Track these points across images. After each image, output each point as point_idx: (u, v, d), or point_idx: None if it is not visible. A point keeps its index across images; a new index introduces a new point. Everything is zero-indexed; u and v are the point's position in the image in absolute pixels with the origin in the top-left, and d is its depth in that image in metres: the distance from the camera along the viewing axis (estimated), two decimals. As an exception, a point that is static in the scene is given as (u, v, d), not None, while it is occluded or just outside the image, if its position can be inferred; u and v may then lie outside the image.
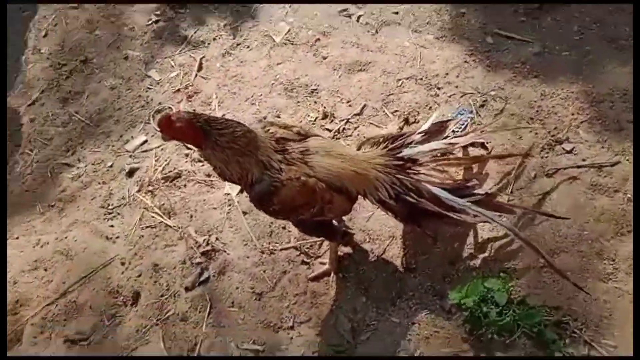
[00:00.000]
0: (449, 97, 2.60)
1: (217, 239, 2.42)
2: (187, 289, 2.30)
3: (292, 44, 3.00)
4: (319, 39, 2.97)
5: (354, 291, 2.15)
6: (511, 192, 2.23)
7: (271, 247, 2.34)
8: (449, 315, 2.01)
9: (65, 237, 2.57)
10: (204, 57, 3.10)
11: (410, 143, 2.10)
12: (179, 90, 2.99)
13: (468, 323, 1.92)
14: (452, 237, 2.19)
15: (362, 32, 2.94)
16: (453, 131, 2.25)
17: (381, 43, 2.88)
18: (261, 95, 2.84)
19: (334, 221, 2.18)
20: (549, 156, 2.30)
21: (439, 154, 2.10)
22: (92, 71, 3.22)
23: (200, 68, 3.06)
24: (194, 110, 2.81)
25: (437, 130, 2.16)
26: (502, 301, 1.88)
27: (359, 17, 3.01)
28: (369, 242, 2.27)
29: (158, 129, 1.74)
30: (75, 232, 2.58)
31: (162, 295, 2.31)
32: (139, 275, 2.39)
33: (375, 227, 2.29)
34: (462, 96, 2.58)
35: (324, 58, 2.89)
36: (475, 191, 2.01)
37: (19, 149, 3.01)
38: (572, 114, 2.37)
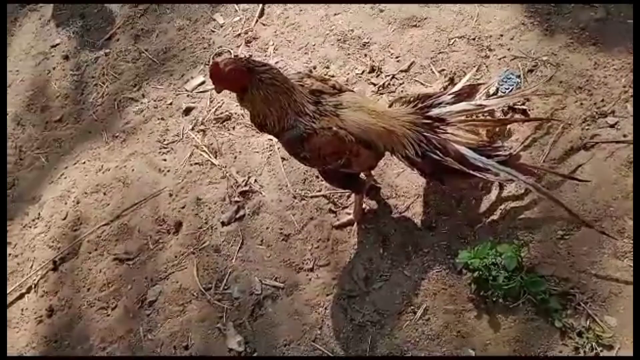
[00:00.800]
0: (499, 59, 2.53)
1: (255, 180, 2.58)
2: (223, 224, 2.50)
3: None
4: (380, -8, 2.95)
5: (373, 242, 2.25)
6: (544, 161, 2.18)
7: (303, 194, 2.47)
8: (459, 275, 2.07)
9: (125, 166, 2.84)
10: (266, 3, 3.17)
11: (441, 103, 2.11)
12: (239, 34, 3.11)
13: (475, 284, 1.97)
14: (475, 200, 2.21)
15: (422, -15, 2.88)
16: (498, 94, 2.24)
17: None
18: (314, 45, 2.90)
19: (362, 174, 2.26)
20: (590, 128, 2.22)
21: (468, 115, 2.10)
22: (164, 11, 3.41)
23: (261, 14, 3.15)
24: (250, 55, 2.92)
25: (469, 92, 2.16)
26: (510, 266, 1.91)
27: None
28: (394, 197, 2.34)
29: (212, 82, 1.87)
30: (133, 162, 2.84)
31: (200, 227, 2.53)
32: (183, 207, 2.61)
33: (403, 184, 2.35)
34: (512, 59, 2.50)
35: (381, 11, 2.89)
36: (500, 153, 2.01)
37: (94, 80, 3.29)
38: (624, 87, 2.25)
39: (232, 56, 1.83)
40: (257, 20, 3.12)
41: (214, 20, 3.24)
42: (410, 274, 2.13)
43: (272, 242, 2.40)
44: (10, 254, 2.82)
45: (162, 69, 3.16)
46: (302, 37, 2.95)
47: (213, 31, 3.19)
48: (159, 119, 2.97)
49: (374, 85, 2.66)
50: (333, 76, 2.73)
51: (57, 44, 3.50)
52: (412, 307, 2.07)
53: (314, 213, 2.41)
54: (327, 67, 2.80)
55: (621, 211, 1.99)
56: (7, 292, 2.67)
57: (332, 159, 1.95)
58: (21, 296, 2.67)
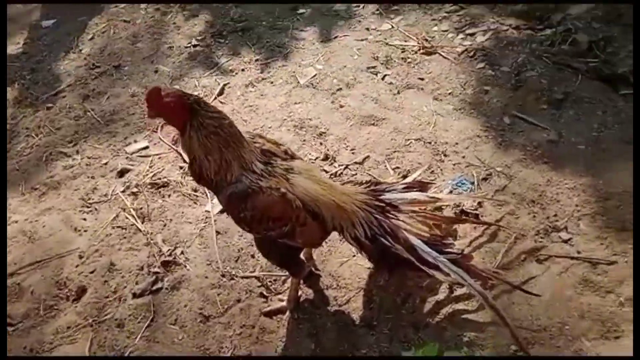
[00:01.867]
0: (454, 165, 2.49)
1: (182, 252, 2.30)
2: (134, 295, 2.17)
3: (315, 88, 3.00)
4: (341, 89, 2.97)
5: (305, 336, 1.97)
6: (495, 268, 2.05)
7: (233, 273, 2.20)
8: (398, 384, 1.80)
9: (36, 220, 2.52)
10: (227, 83, 3.13)
11: (392, 190, 1.99)
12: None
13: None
14: (422, 301, 2.01)
15: (384, 90, 2.92)
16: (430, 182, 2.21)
17: (399, 103, 2.84)
18: (270, 127, 2.82)
19: (302, 255, 2.05)
20: (543, 241, 2.13)
21: (420, 206, 1.97)
22: (120, 77, 3.30)
23: (221, 93, 3.08)
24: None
25: (420, 187, 2.05)
26: (456, 378, 1.67)
27: (384, 76, 3.01)
28: (335, 288, 2.11)
29: (146, 104, 1.69)
30: (47, 217, 2.53)
31: (107, 297, 2.18)
32: (92, 272, 2.28)
33: (346, 274, 2.14)
34: (467, 166, 2.47)
35: (341, 106, 2.87)
36: (452, 250, 1.85)
37: (27, 131, 3.04)
38: (576, 205, 2.22)
39: (182, 91, 1.66)
40: (215, 97, 3.04)
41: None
42: (343, 376, 1.84)
43: (187, 323, 2.07)
44: None
45: (105, 129, 2.97)
46: (259, 119, 2.87)
47: (167, 101, 3.07)
48: (88, 177, 2.71)
49: (327, 172, 2.54)
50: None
51: (-2, 91, 3.28)
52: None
53: (242, 295, 2.13)
54: (280, 150, 2.68)
55: (577, 331, 1.84)
56: None
57: (276, 224, 1.75)
58: None
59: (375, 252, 1.84)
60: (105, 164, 2.77)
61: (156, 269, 2.25)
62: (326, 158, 2.60)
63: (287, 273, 2.10)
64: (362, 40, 3.29)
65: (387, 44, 3.21)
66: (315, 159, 2.61)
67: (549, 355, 1.80)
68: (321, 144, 2.69)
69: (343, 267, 2.16)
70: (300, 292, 2.07)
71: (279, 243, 1.82)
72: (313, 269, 2.15)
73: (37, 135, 3.00)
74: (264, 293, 2.13)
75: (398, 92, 2.91)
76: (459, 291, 2.02)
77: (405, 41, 3.21)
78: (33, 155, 2.87)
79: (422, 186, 2.09)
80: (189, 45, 3.46)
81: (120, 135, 2.92)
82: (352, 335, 1.95)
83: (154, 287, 2.19)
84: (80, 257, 2.35)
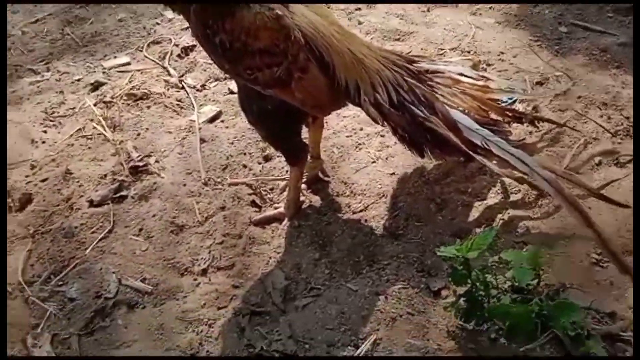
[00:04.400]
0: (500, 72, 2.01)
1: (156, 161, 1.83)
2: (91, 203, 1.69)
3: (328, 6, 2.55)
4: (359, 8, 2.53)
5: (306, 245, 1.47)
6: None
7: (219, 180, 1.71)
8: (434, 300, 1.26)
9: (-12, 132, 2.05)
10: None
11: (434, 61, 1.51)
12: (187, 27, 2.57)
13: (466, 302, 1.17)
14: (466, 206, 1.49)
15: (411, 7, 2.48)
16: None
17: (430, 19, 2.39)
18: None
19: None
20: (623, 143, 1.62)
21: (467, 85, 1.48)
22: (108, 5, 2.89)
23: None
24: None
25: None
26: (523, 281, 1.13)
27: (411, -5, 2.56)
28: (348, 195, 1.61)
29: None
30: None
31: (57, 205, 1.70)
32: (43, 181, 1.80)
33: (363, 182, 1.64)
34: (516, 72, 1.99)
35: (360, 23, 2.43)
36: (507, 136, 1.39)
37: (-5, 54, 2.62)
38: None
39: None
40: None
41: (163, 15, 2.72)
42: (357, 288, 1.32)
43: (154, 234, 1.58)
44: None
45: (83, 49, 2.55)
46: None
47: (158, 23, 2.66)
48: (56, 92, 2.27)
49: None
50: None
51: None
52: (353, 337, 1.22)
53: (227, 203, 1.63)
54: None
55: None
56: None
57: (264, 60, 1.26)
58: None
59: (403, 125, 1.35)
60: (79, 80, 2.33)
61: (122, 178, 1.76)
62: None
63: (284, 159, 1.58)
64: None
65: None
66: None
67: None
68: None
69: (359, 174, 1.67)
70: (302, 198, 1.57)
71: (272, 101, 1.33)
72: (320, 173, 1.65)
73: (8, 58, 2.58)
74: (257, 202, 1.63)
75: (428, 10, 2.46)
76: (516, 196, 1.50)
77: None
78: (-2, 74, 2.44)
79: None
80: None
81: (99, 54, 2.50)
82: (370, 244, 1.44)
83: (117, 195, 1.70)
84: (33, 167, 1.88)
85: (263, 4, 1.28)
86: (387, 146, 1.72)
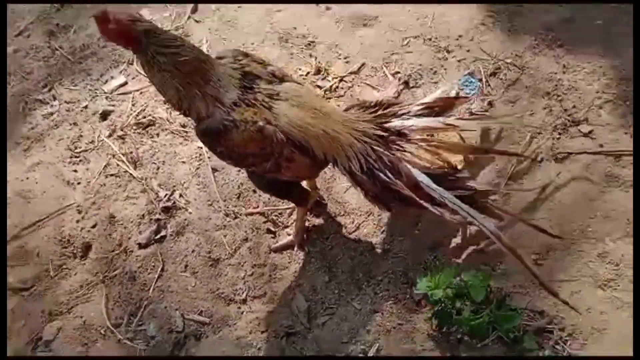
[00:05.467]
0: (459, 61, 2.28)
1: (180, 195, 2.20)
2: (140, 246, 2.10)
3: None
4: (328, -8, 2.66)
5: (317, 269, 1.91)
6: (509, 177, 1.90)
7: (237, 211, 2.10)
8: (417, 308, 1.75)
9: (27, 178, 2.41)
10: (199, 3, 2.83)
11: (405, 114, 1.79)
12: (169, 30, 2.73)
13: (436, 318, 1.65)
14: (437, 221, 1.90)
15: (374, -16, 2.61)
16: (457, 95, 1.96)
17: (392, -3, 2.55)
18: (253, 43, 2.57)
19: (305, 185, 1.93)
20: (561, 138, 1.98)
21: (432, 134, 1.79)
22: (83, 6, 3.00)
23: (194, 10, 2.80)
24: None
25: (443, 105, 1.83)
26: (478, 297, 1.61)
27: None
28: (342, 215, 2.02)
29: (96, 24, 1.54)
30: (38, 173, 2.41)
31: (113, 251, 2.12)
32: (94, 226, 2.20)
33: (352, 201, 2.03)
34: (473, 61, 2.25)
35: (328, 9, 2.59)
36: (465, 183, 1.69)
37: (-1, 81, 2.83)
38: (597, 92, 2.02)
39: (134, 16, 1.44)
40: (189, 17, 2.76)
41: (140, 15, 2.84)
42: (360, 307, 1.80)
43: (198, 269, 2.02)
44: None
45: (78, 68, 2.75)
46: (240, 35, 2.62)
47: (140, 27, 2.80)
48: (71, 124, 2.55)
49: (320, 88, 2.35)
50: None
51: (-42, 39, 3.01)
52: (362, 347, 1.73)
53: (248, 234, 2.05)
54: (268, 68, 2.46)
55: (601, 233, 1.74)
56: None
57: (257, 160, 1.62)
58: None
59: (372, 188, 1.69)
60: (86, 107, 2.59)
61: (157, 216, 2.16)
62: (318, 72, 2.39)
63: (290, 204, 2.00)
64: None
65: None
66: (306, 75, 2.40)
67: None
68: (311, 55, 2.46)
69: (349, 193, 2.05)
70: (307, 223, 1.98)
71: (270, 177, 1.69)
72: (319, 198, 2.03)
73: (10, 83, 2.79)
74: (271, 228, 2.05)
75: (390, -15, 2.60)
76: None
77: None
78: (11, 107, 2.69)
79: (446, 103, 1.86)
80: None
81: (95, 72, 2.71)
82: (366, 263, 1.89)
83: (158, 236, 2.12)
84: (79, 211, 2.26)
85: (248, 110, 1.56)
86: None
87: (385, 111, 1.80)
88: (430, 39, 2.37)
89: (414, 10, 2.47)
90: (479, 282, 1.62)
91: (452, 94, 2.15)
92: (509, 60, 2.21)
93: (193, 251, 2.06)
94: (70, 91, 2.67)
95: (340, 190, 2.06)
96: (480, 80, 2.19)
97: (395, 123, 1.75)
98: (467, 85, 2.18)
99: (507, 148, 2.00)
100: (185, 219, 2.13)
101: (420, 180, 1.65)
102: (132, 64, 2.68)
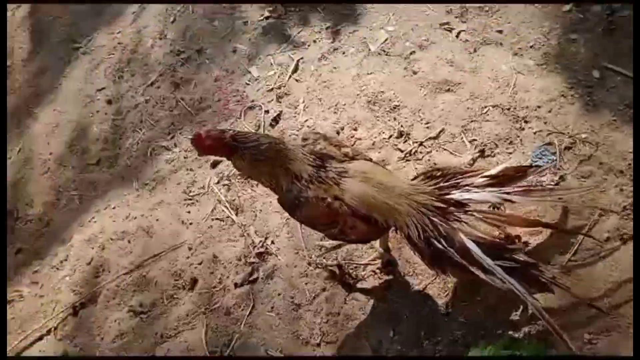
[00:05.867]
0: (535, 133, 2.39)
1: (272, 242, 2.53)
2: (236, 285, 2.46)
3: (387, 54, 2.95)
4: (414, 52, 2.89)
5: (385, 323, 2.14)
6: (575, 252, 2.01)
7: (318, 261, 2.39)
8: (472, 371, 1.92)
9: (150, 215, 2.87)
10: (301, 58, 3.17)
11: (468, 185, 1.97)
12: (272, 89, 3.11)
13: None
14: (500, 291, 2.05)
15: (459, 49, 2.79)
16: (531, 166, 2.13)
17: (476, 63, 2.71)
18: (344, 104, 2.86)
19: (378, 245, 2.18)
20: (629, 218, 2.04)
21: (491, 207, 1.95)
22: (203, 61, 3.47)
23: (295, 70, 3.14)
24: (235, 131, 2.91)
25: (511, 176, 1.96)
26: (528, 371, 1.75)
27: (459, 33, 2.86)
28: (411, 275, 2.23)
29: (193, 147, 1.91)
30: (159, 212, 2.87)
31: (214, 287, 2.50)
32: (200, 263, 2.60)
33: (421, 262, 2.23)
34: (549, 134, 2.36)
35: (414, 73, 2.81)
36: (515, 256, 1.83)
37: (132, 126, 3.37)
38: (670, 176, 2.06)
39: (219, 129, 1.87)
40: (290, 76, 3.11)
41: (249, 72, 3.26)
42: (420, 363, 2.00)
43: (282, 311, 2.33)
44: (36, 294, 2.89)
45: (196, 119, 3.20)
46: (333, 96, 2.91)
47: (248, 84, 3.21)
48: (187, 169, 2.99)
49: (401, 151, 2.57)
50: (360, 139, 2.67)
51: (103, 88, 3.61)
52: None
53: (326, 284, 2.32)
54: (355, 129, 2.74)
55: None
56: (29, 332, 2.72)
57: (325, 227, 1.93)
58: (41, 337, 2.72)
59: (427, 253, 1.89)
60: (198, 158, 3.02)
61: (252, 259, 2.51)
62: (400, 135, 2.62)
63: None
64: (435, -11, 3.10)
65: (462, -9, 3.01)
66: (389, 137, 2.64)
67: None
68: (394, 119, 2.69)
69: (419, 253, 2.25)
70: (380, 281, 2.22)
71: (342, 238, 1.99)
72: (389, 257, 2.26)
73: (141, 130, 3.32)
74: (347, 281, 2.31)
75: (474, 50, 2.77)
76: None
77: (484, -16, 2.98)
78: (140, 151, 3.20)
79: (515, 172, 2.00)
80: (262, 17, 3.50)
81: (209, 124, 3.14)
82: (428, 322, 2.09)
83: (251, 278, 2.46)
84: (190, 249, 2.67)
85: (320, 187, 1.85)
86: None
87: (448, 183, 1.97)
88: (509, 109, 2.50)
89: (495, 79, 2.61)
90: (537, 352, 1.75)
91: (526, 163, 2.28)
92: (584, 135, 2.29)
93: (279, 294, 2.38)
94: (189, 140, 3.11)
95: (409, 251, 2.27)
96: (555, 153, 2.29)
97: (455, 195, 1.91)
98: (540, 158, 2.30)
99: (573, 225, 2.10)
100: (274, 265, 2.46)
101: (470, 249, 1.80)
102: (240, 118, 3.08)
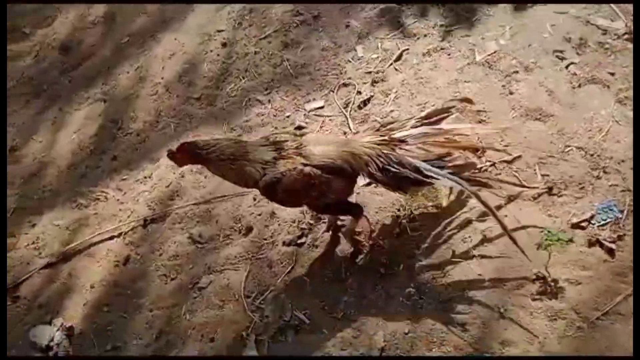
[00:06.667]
0: (610, 186, 2.35)
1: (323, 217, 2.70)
2: (284, 244, 2.67)
3: (490, 67, 2.95)
4: (517, 71, 2.87)
5: (403, 320, 2.27)
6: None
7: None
8: None
9: (229, 159, 3.12)
10: (407, 49, 3.23)
11: (403, 127, 2.32)
12: (370, 72, 3.21)
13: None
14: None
15: (564, 81, 2.74)
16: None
17: (576, 100, 2.66)
18: (433, 105, 2.91)
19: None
20: None
21: (428, 138, 2.28)
22: (317, 28, 3.61)
23: (398, 58, 3.21)
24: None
25: (435, 118, 2.33)
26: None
27: (569, 64, 2.80)
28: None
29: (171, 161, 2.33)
30: (238, 157, 3.10)
31: (265, 239, 2.73)
32: (259, 215, 2.83)
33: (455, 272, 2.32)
34: (623, 191, 2.31)
35: (511, 93, 2.81)
36: (454, 163, 2.22)
37: (238, 73, 3.61)
38: None
39: (186, 143, 2.30)
40: (391, 64, 3.19)
41: (355, 50, 3.37)
42: None
43: (316, 279, 2.52)
44: (118, 199, 3.26)
45: (294, 81, 3.38)
46: (425, 94, 2.97)
47: (349, 61, 3.33)
48: (273, 127, 3.20)
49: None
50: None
51: (222, 30, 3.87)
52: None
53: (361, 266, 2.47)
54: (435, 132, 2.79)
55: None
56: (104, 230, 3.10)
57: (306, 194, 2.19)
58: (112, 238, 3.10)
59: (387, 180, 2.22)
60: (288, 117, 3.22)
61: (304, 225, 2.70)
62: (476, 150, 2.65)
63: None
64: (562, 13, 3.01)
65: (588, 22, 2.91)
66: (463, 149, 2.67)
67: None
68: (477, 133, 2.72)
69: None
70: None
71: (325, 203, 2.27)
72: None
73: (244, 78, 3.55)
74: (380, 270, 2.44)
75: (579, 86, 2.71)
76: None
77: (612, 20, 2.87)
78: (237, 98, 3.45)
79: (439, 114, 2.36)
80: (384, -1, 3.57)
81: (304, 89, 3.31)
82: (442, 336, 2.19)
83: (299, 241, 2.66)
84: (254, 199, 2.90)
85: (287, 162, 2.17)
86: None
87: (387, 128, 2.35)
88: (592, 155, 2.46)
89: (590, 120, 2.56)
90: None
91: (587, 215, 2.27)
92: (658, 202, 2.22)
93: (319, 264, 2.56)
94: (282, 100, 3.32)
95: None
96: (622, 212, 2.25)
97: (396, 134, 2.29)
98: (606, 211, 2.27)
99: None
100: (322, 236, 2.63)
101: (419, 166, 2.19)
102: (333, 91, 3.22)
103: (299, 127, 3.12)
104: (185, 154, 2.23)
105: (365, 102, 3.08)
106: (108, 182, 3.31)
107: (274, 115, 3.25)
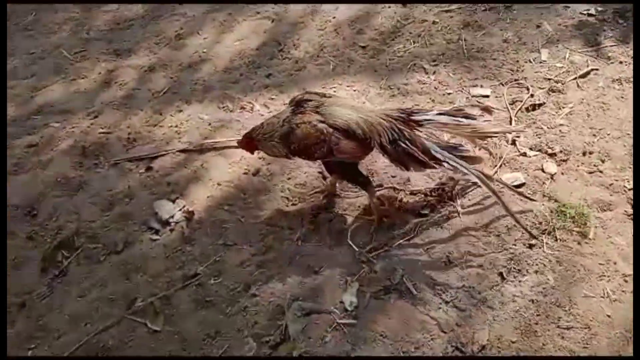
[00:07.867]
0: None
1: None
2: (412, 213, 2.65)
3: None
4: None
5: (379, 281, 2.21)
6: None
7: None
8: None
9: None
10: (596, 69, 3.07)
11: (424, 112, 2.43)
12: (550, 79, 3.08)
13: None
14: None
15: None
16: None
17: None
18: (608, 134, 2.77)
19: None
20: None
21: (444, 127, 2.38)
22: (505, 17, 3.52)
23: (584, 75, 3.07)
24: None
25: (455, 114, 2.41)
26: None
27: None
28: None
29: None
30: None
31: (391, 201, 2.71)
32: (393, 177, 2.80)
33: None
34: None
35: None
36: (464, 152, 2.34)
37: (411, 36, 3.58)
38: None
39: (246, 133, 2.58)
40: (575, 78, 3.04)
41: (539, 52, 3.24)
42: None
43: (429, 259, 2.48)
44: (262, 115, 3.32)
45: (465, 62, 3.31)
46: (602, 121, 2.83)
47: (530, 61, 3.22)
48: (431, 98, 3.15)
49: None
50: (601, 171, 2.59)
51: None
52: None
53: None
54: (602, 161, 2.65)
55: None
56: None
57: (316, 148, 2.32)
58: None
59: (394, 154, 2.32)
60: (449, 94, 3.16)
61: (430, 199, 2.66)
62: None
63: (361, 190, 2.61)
64: None
65: None
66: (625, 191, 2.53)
67: None
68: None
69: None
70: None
71: (336, 163, 2.41)
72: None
73: (415, 43, 3.52)
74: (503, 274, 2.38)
75: None
76: None
77: None
78: (402, 60, 3.42)
79: (457, 112, 2.43)
80: (585, 11, 3.39)
81: (473, 73, 3.23)
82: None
83: (424, 212, 2.62)
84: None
85: (303, 116, 2.36)
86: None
87: (405, 110, 2.43)
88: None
89: None
90: None
91: None
92: None
93: (439, 244, 2.51)
94: (449, 76, 3.26)
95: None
96: None
97: (415, 117, 2.38)
98: None
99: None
100: (448, 217, 2.58)
101: (430, 147, 2.30)
102: (503, 84, 3.12)
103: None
104: (250, 142, 2.51)
105: (535, 107, 2.97)
106: (257, 95, 3.39)
107: (435, 88, 3.20)
